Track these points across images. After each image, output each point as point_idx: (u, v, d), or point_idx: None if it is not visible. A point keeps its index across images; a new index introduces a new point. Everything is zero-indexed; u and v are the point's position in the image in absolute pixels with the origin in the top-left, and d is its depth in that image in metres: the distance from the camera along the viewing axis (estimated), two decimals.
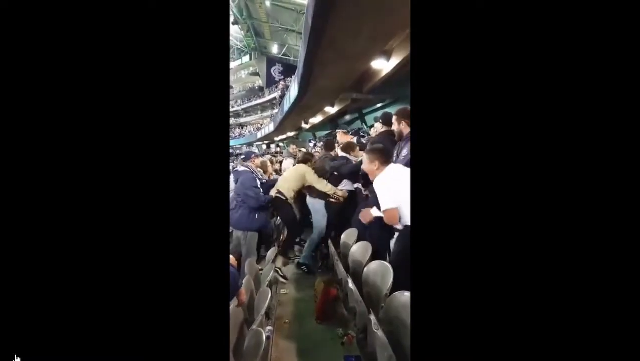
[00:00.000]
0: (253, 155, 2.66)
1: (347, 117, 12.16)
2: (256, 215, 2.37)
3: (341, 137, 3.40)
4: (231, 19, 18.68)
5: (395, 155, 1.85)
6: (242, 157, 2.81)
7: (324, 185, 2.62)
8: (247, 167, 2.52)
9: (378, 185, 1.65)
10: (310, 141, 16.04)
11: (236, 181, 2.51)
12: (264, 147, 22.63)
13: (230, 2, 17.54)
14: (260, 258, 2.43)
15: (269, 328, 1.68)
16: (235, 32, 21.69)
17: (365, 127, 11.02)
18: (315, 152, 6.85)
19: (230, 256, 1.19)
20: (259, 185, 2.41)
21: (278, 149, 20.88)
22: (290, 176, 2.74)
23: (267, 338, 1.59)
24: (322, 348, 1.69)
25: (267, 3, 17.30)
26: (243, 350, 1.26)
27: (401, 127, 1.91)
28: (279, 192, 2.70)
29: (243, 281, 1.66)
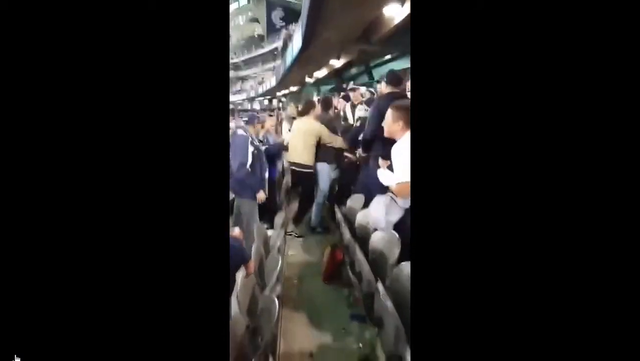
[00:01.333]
0: (257, 120, 2.40)
1: (354, 70, 11.49)
2: (257, 175, 2.25)
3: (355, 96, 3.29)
4: None
5: None
6: (245, 119, 2.58)
7: (340, 141, 2.54)
8: (244, 129, 2.30)
9: (397, 151, 1.52)
10: (313, 94, 15.42)
11: None
12: (266, 102, 21.89)
13: None
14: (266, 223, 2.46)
15: (278, 288, 1.78)
16: None
17: (372, 80, 10.48)
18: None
19: (237, 229, 1.19)
20: (248, 153, 2.19)
21: (280, 105, 20.24)
22: (303, 141, 2.54)
23: (277, 297, 1.70)
24: (329, 307, 1.81)
25: None
26: (257, 313, 1.35)
27: None
28: (295, 164, 2.56)
29: (253, 248, 1.71)
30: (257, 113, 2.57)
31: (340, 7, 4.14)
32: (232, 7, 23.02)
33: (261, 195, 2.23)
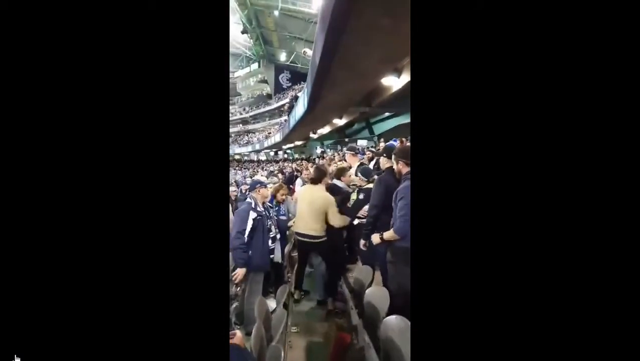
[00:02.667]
0: (258, 185, 2.32)
1: (355, 126, 12.14)
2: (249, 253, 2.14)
3: (350, 159, 3.28)
4: (240, 28, 18.94)
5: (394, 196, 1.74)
6: (248, 186, 2.57)
7: (344, 221, 2.34)
8: (251, 197, 2.27)
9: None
10: (316, 148, 16.03)
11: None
12: (272, 153, 22.72)
13: (240, 12, 17.79)
14: (267, 295, 2.31)
15: None
16: (245, 40, 22.00)
17: (373, 135, 10.97)
18: (324, 159, 6.79)
19: (237, 332, 1.08)
20: (249, 220, 2.14)
21: (285, 155, 20.95)
22: (313, 211, 2.33)
23: None
24: None
25: (276, 13, 17.52)
26: None
27: (400, 167, 1.83)
28: (303, 235, 2.33)
29: (253, 333, 1.57)
30: (262, 163, 2.51)
31: (343, 77, 4.53)
32: (244, 71, 25.44)
33: (238, 273, 2.09)
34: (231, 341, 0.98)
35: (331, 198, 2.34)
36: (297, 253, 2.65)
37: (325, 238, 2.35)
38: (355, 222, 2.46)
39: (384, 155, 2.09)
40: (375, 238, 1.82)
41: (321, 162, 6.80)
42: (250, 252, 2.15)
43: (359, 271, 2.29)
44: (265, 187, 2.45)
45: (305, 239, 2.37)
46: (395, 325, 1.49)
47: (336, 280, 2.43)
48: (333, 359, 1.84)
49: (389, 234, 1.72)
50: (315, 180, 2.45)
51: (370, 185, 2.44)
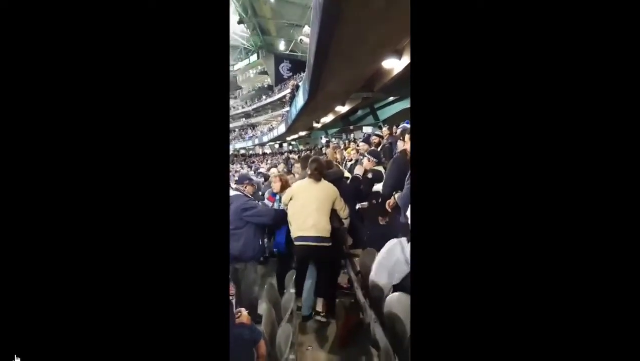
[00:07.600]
0: (247, 181, 2.30)
1: (359, 113, 12.00)
2: (259, 240, 2.14)
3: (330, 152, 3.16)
4: (236, 18, 18.65)
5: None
6: (236, 179, 2.48)
7: (346, 210, 2.15)
8: (237, 190, 2.24)
9: None
10: (321, 138, 15.96)
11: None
12: (277, 146, 22.72)
13: (235, 2, 17.47)
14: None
15: (292, 356, 1.67)
16: (242, 31, 21.69)
17: (378, 122, 10.84)
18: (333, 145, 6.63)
19: (243, 311, 1.14)
20: (253, 200, 2.14)
21: (290, 147, 20.93)
22: (319, 208, 2.02)
23: None
24: None
25: (272, 0, 17.15)
26: None
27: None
28: (308, 238, 1.99)
29: (263, 314, 1.66)
30: (268, 156, 2.45)
31: (342, 63, 4.47)
32: (244, 62, 25.19)
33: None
34: (237, 320, 1.04)
35: (335, 188, 2.11)
36: (296, 265, 2.19)
37: (331, 243, 2.06)
38: (357, 206, 2.51)
39: (401, 138, 2.12)
40: (392, 200, 2.02)
41: (327, 151, 6.75)
42: (260, 239, 2.22)
43: (364, 254, 2.35)
44: (252, 184, 2.46)
45: (310, 243, 2.00)
46: (397, 301, 1.55)
47: (327, 282, 2.14)
48: (342, 337, 1.93)
49: (393, 200, 1.96)
50: (316, 174, 2.08)
51: (379, 168, 2.49)
